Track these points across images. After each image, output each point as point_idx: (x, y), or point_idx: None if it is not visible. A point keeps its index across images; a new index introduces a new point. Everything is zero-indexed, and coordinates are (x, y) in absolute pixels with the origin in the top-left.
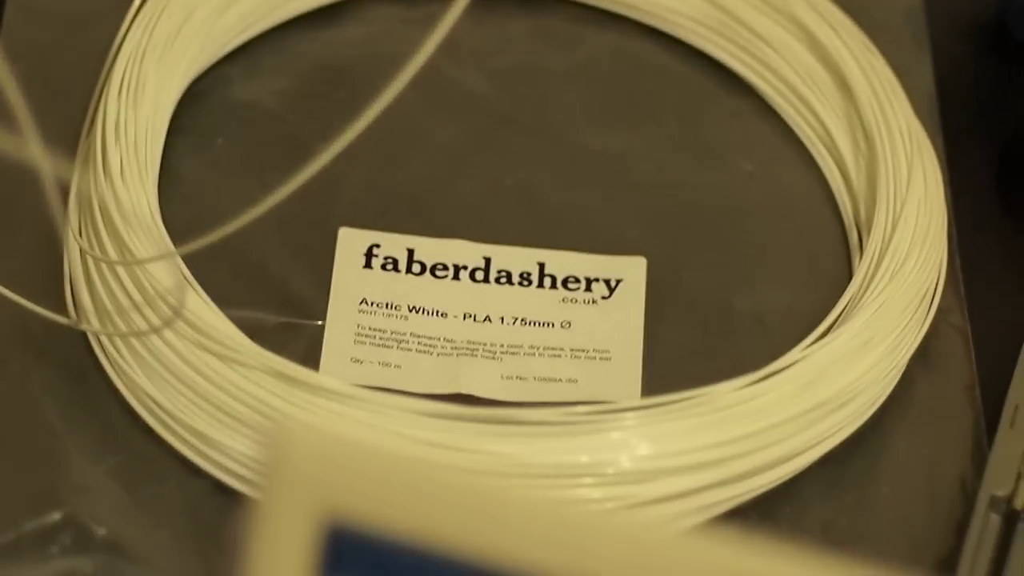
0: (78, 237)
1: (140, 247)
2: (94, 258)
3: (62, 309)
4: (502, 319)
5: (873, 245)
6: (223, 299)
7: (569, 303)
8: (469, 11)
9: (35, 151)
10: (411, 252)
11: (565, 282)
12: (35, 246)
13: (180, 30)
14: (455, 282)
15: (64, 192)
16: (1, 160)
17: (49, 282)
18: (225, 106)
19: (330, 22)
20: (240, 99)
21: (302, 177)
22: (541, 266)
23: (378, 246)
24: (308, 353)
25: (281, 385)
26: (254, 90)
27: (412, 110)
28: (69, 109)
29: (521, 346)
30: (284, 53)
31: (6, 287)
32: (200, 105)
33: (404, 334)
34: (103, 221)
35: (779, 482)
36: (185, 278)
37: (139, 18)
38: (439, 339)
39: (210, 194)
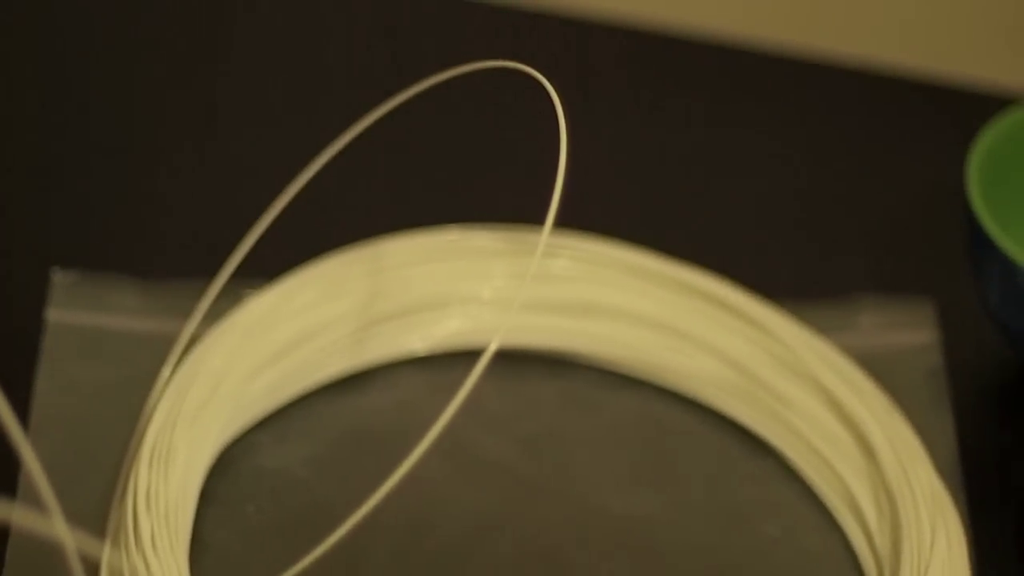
0: None
1: None
2: None
3: None
4: None
5: None
6: None
7: None
8: (497, 377)
9: (61, 531)
10: None
11: None
12: None
13: (210, 398)
14: None
15: (95, 567)
16: (29, 540)
17: None
18: (255, 473)
19: (359, 389)
20: (269, 466)
21: (322, 549)
22: None
23: None
24: None
25: None
26: (283, 457)
27: (438, 476)
28: (100, 477)
29: None
30: (313, 420)
31: None
32: (230, 472)
33: None
34: None
35: None
36: None
37: (170, 386)
38: None
39: (239, 562)
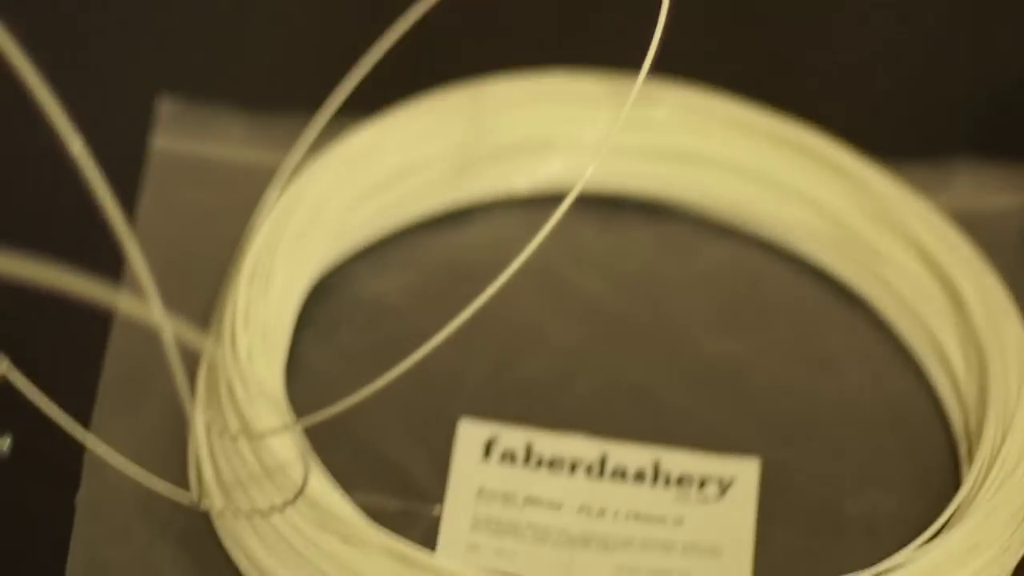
0: (203, 411)
1: (265, 422)
2: (218, 433)
3: (185, 485)
4: (616, 513)
5: (982, 455)
6: (343, 483)
7: (682, 501)
8: (595, 220)
9: (161, 321)
10: (529, 445)
11: (679, 480)
12: (160, 425)
13: (311, 225)
14: (571, 476)
15: (191, 373)
16: (129, 337)
17: (174, 459)
18: (351, 300)
19: (457, 226)
20: (366, 294)
21: (408, 364)
22: (656, 464)
23: (497, 438)
24: (424, 539)
25: (402, 568)
26: (380, 286)
27: (532, 309)
28: (199, 300)
29: (634, 540)
30: (410, 252)
31: (131, 462)
32: (327, 298)
33: (520, 524)
34: (229, 400)
35: None
36: (308, 457)
37: (272, 212)
38: (554, 530)
39: (334, 384)
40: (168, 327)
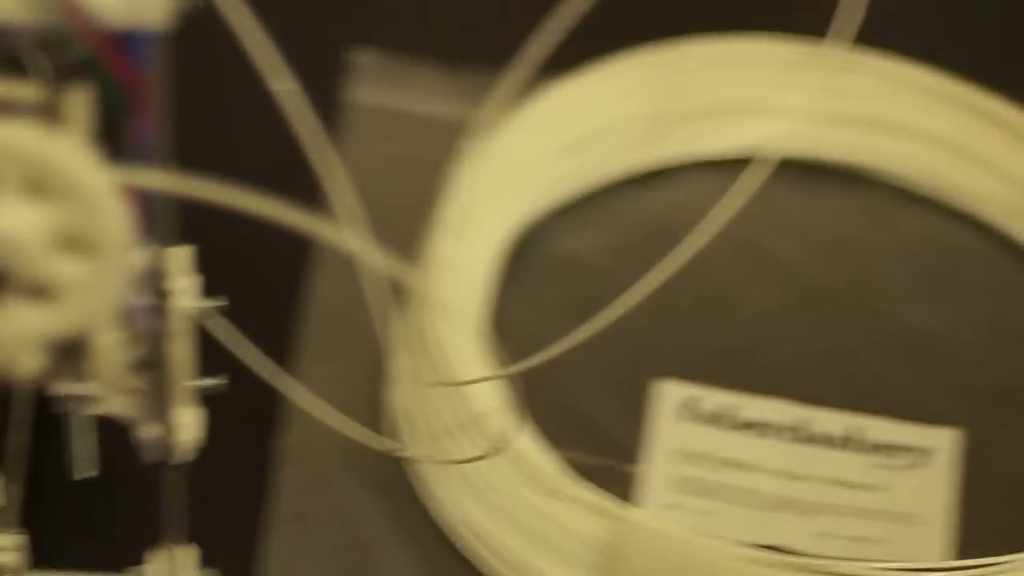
0: (405, 360)
1: (466, 371)
2: (420, 381)
3: (386, 434)
4: (814, 478)
5: None
6: (543, 438)
7: (882, 468)
8: (793, 186)
9: (368, 252)
10: (729, 407)
11: (878, 448)
12: (361, 373)
13: (509, 180)
14: (770, 439)
15: (389, 319)
16: (329, 284)
17: (374, 407)
18: (547, 256)
19: (652, 186)
20: (562, 251)
21: (618, 311)
22: (855, 430)
23: (697, 399)
24: (624, 497)
25: (603, 522)
26: (575, 243)
27: (733, 274)
28: (393, 248)
29: (833, 505)
30: (605, 211)
31: (332, 410)
32: (524, 254)
33: (719, 485)
34: (432, 348)
35: None
36: (519, 407)
37: (470, 166)
38: (752, 492)
39: (532, 338)
40: (376, 256)
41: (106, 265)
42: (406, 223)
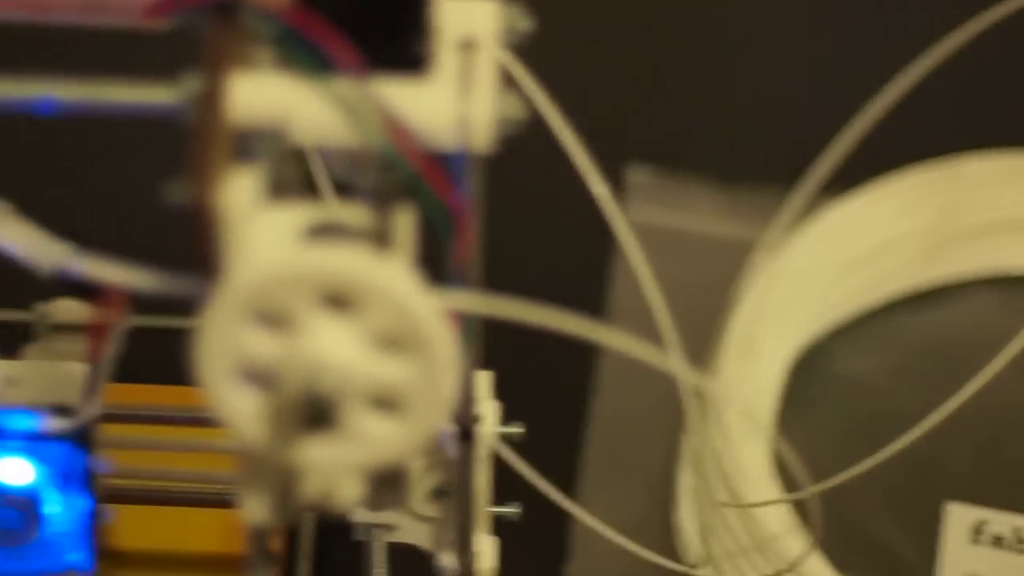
0: (692, 479)
1: (756, 492)
2: (710, 502)
3: (667, 558)
4: None
5: None
6: (830, 561)
7: None
8: None
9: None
10: (1019, 530)
11: None
12: (644, 497)
13: (792, 299)
14: None
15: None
16: (610, 407)
17: (656, 532)
18: (830, 376)
19: (931, 305)
20: (844, 371)
21: (902, 443)
22: None
23: (986, 523)
24: None
25: None
26: (858, 363)
27: (1016, 392)
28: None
29: None
30: (886, 330)
31: (619, 534)
32: (806, 373)
33: None
34: (723, 466)
35: None
36: (811, 531)
37: (754, 285)
38: None
39: (814, 456)
40: (678, 364)
41: (435, 379)
42: (685, 343)
